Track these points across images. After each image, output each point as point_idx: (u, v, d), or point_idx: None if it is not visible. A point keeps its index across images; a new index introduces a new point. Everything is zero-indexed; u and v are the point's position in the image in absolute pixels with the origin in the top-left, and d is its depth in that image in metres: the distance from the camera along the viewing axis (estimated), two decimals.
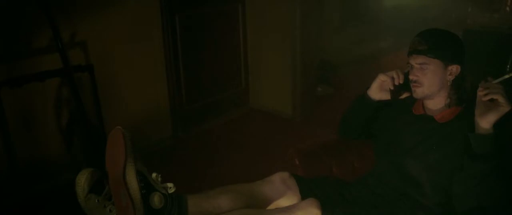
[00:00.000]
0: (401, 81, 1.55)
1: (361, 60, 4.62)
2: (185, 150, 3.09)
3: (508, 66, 2.86)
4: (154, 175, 1.34)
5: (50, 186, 2.48)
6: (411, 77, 1.48)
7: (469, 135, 1.30)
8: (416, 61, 1.45)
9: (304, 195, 1.53)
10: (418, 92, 1.47)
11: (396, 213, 1.47)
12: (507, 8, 3.37)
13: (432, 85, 1.45)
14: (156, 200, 1.30)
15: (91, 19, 2.56)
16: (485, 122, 1.26)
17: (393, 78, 1.55)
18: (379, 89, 1.58)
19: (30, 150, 2.48)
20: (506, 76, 1.34)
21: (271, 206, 1.52)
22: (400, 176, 1.50)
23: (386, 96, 1.58)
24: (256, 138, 3.23)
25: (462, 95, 1.45)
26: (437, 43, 1.43)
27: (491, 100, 1.28)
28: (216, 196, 1.45)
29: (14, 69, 2.28)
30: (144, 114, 2.97)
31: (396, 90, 1.57)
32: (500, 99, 1.25)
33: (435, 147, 1.44)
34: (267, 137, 3.24)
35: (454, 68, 1.44)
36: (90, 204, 1.27)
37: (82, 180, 1.26)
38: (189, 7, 3.13)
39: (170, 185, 1.35)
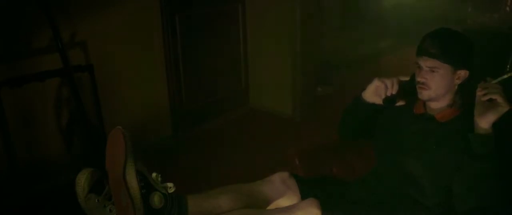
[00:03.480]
0: (393, 92, 1.53)
1: (361, 60, 4.62)
2: (185, 150, 3.09)
3: (508, 66, 2.86)
4: (154, 175, 1.34)
5: (50, 186, 2.48)
6: (419, 79, 1.46)
7: (469, 135, 1.29)
8: (426, 64, 1.43)
9: (304, 195, 1.53)
10: (424, 94, 1.46)
11: (396, 213, 1.47)
12: (507, 8, 3.37)
13: (439, 89, 1.44)
14: (156, 200, 1.30)
15: (91, 19, 2.56)
16: (485, 122, 1.26)
17: (386, 87, 1.53)
18: (373, 93, 1.56)
19: (30, 150, 2.48)
20: (505, 76, 1.33)
21: (271, 206, 1.52)
22: (400, 175, 1.50)
23: (379, 101, 1.56)
24: (256, 138, 3.23)
25: (466, 100, 1.44)
26: (450, 47, 1.41)
27: (490, 100, 1.27)
28: (216, 196, 1.45)
29: (14, 69, 2.28)
30: (144, 114, 2.97)
31: (389, 99, 1.55)
32: (499, 99, 1.25)
33: (435, 147, 1.44)
34: (267, 137, 3.24)
35: (463, 73, 1.42)
36: (90, 204, 1.27)
37: (82, 180, 1.26)
38: (189, 7, 3.13)
39: (170, 184, 1.35)
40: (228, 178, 2.59)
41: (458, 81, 1.44)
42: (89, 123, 2.37)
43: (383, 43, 5.02)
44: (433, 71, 1.42)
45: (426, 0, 4.87)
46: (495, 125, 1.26)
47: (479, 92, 1.30)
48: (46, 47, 2.38)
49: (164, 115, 3.14)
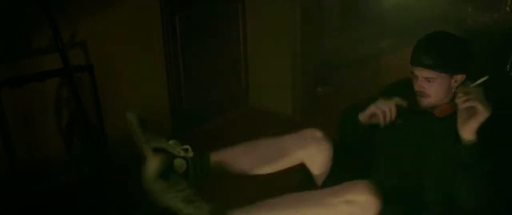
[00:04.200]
0: (392, 118, 1.48)
1: (361, 60, 4.61)
2: None
3: (508, 66, 2.86)
4: (171, 142, 1.48)
5: (50, 186, 2.48)
6: (417, 88, 1.45)
7: (455, 146, 1.29)
8: (422, 74, 1.42)
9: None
10: (425, 102, 1.46)
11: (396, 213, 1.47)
12: (507, 8, 3.37)
13: (438, 96, 1.43)
14: (178, 165, 1.44)
15: (91, 19, 2.56)
16: (467, 131, 1.25)
17: (384, 113, 1.48)
18: (370, 117, 1.53)
19: (30, 150, 2.48)
20: (483, 79, 1.31)
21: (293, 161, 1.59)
22: (399, 174, 1.50)
23: (376, 121, 1.52)
24: (256, 138, 3.22)
25: None
26: (445, 56, 1.39)
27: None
28: (239, 154, 1.57)
29: (14, 69, 2.28)
30: (144, 114, 2.94)
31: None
32: (479, 107, 1.23)
33: (434, 142, 1.43)
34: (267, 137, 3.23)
35: (460, 77, 1.42)
36: (158, 187, 1.35)
37: (156, 163, 1.36)
38: (189, 7, 3.13)
39: (186, 146, 1.50)
40: (228, 177, 2.59)
41: (456, 84, 1.43)
42: (89, 123, 2.37)
43: (383, 43, 5.01)
44: (430, 81, 1.41)
45: (426, 0, 4.86)
46: (490, 125, 1.25)
47: (459, 100, 1.28)
48: (46, 47, 2.38)
49: (164, 115, 3.14)
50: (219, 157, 1.53)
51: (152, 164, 1.36)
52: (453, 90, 1.44)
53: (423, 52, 1.40)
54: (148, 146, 1.39)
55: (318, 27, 3.63)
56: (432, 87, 1.42)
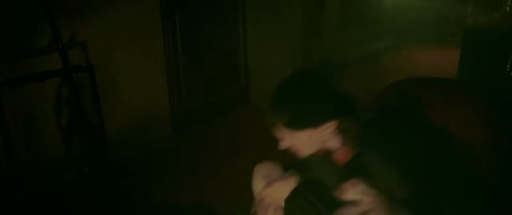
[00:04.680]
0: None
1: (361, 60, 4.62)
2: (185, 149, 3.09)
3: (508, 66, 2.86)
4: None
5: (50, 186, 2.48)
6: (281, 147, 1.25)
7: None
8: (280, 133, 1.22)
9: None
10: (299, 155, 1.26)
11: None
12: (507, 8, 3.38)
13: (309, 148, 1.24)
14: None
15: (91, 19, 2.56)
16: None
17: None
18: None
19: (30, 150, 2.48)
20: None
21: None
22: None
23: None
24: (255, 138, 3.23)
25: (357, 137, 1.20)
26: (299, 110, 1.17)
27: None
28: None
29: (14, 69, 2.28)
30: (144, 114, 2.97)
31: None
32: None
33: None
34: (266, 137, 3.23)
35: (329, 124, 1.18)
36: None
37: None
38: (189, 7, 3.13)
39: None
40: (228, 177, 2.59)
41: (330, 130, 1.19)
42: (89, 123, 2.37)
43: (383, 43, 5.02)
44: (292, 137, 1.21)
45: (426, 0, 4.87)
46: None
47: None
48: (46, 47, 2.38)
49: (164, 115, 3.14)
50: None
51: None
52: (334, 133, 1.21)
53: (273, 110, 1.22)
54: None
55: (318, 27, 3.63)
56: (297, 142, 1.21)
